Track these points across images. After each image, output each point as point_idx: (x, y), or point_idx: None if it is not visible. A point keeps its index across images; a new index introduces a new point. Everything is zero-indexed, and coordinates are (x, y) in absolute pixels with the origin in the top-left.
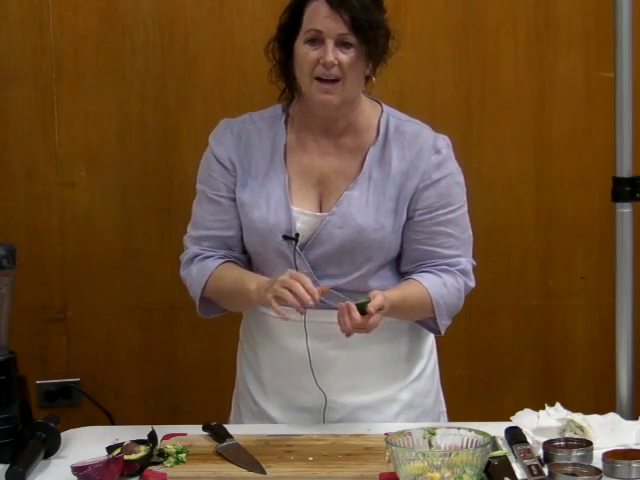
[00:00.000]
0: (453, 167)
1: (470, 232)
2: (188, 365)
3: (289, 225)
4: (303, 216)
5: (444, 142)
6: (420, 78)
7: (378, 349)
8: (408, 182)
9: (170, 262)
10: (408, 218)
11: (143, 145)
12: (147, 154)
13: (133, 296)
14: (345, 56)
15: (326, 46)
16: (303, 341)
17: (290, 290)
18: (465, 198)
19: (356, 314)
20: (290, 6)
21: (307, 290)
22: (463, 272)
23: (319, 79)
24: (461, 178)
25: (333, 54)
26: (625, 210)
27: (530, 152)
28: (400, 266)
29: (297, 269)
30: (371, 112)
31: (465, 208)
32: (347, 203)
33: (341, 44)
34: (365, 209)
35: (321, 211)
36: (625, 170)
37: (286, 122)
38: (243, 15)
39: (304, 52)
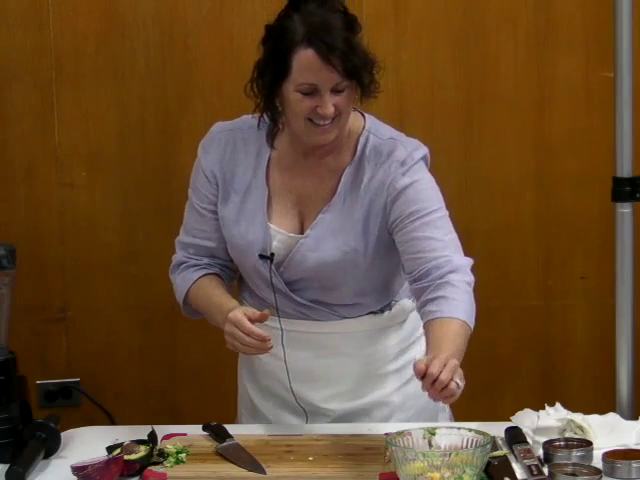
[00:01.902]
0: (420, 175)
1: (454, 235)
2: (188, 365)
3: (265, 244)
4: (279, 235)
5: (417, 155)
6: (420, 78)
7: (364, 354)
8: (376, 200)
9: (170, 262)
10: (389, 234)
11: (143, 145)
12: (147, 154)
13: (133, 296)
14: (340, 98)
15: (322, 97)
16: (289, 349)
17: (235, 338)
18: (442, 203)
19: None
20: (273, 48)
21: (247, 333)
22: (457, 270)
23: (313, 121)
24: (433, 184)
25: (330, 102)
26: (625, 210)
27: (530, 152)
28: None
29: (273, 287)
30: (353, 129)
31: (443, 212)
32: (320, 227)
33: (336, 89)
34: (337, 233)
35: (303, 230)
36: (625, 170)
37: (269, 145)
38: (243, 15)
39: (297, 99)
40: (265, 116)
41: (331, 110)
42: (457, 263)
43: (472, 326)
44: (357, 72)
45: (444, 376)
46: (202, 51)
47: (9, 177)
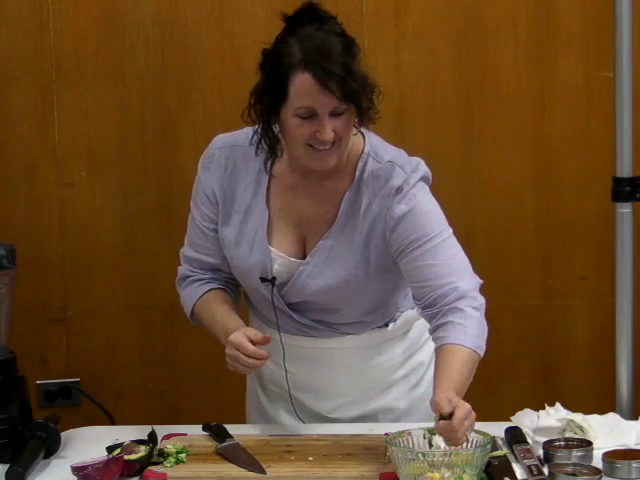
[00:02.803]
0: (417, 199)
1: (461, 255)
2: (188, 365)
3: (266, 266)
4: (280, 259)
5: (414, 178)
6: (420, 78)
7: (369, 366)
8: (375, 228)
9: (170, 262)
10: (394, 260)
11: (143, 145)
12: (147, 154)
13: (133, 296)
14: (339, 122)
15: (321, 121)
16: (292, 363)
17: (236, 360)
18: (443, 224)
19: (449, 424)
20: (270, 75)
21: (250, 355)
22: (464, 296)
23: (313, 146)
24: (433, 206)
25: (329, 126)
26: (625, 210)
27: (530, 152)
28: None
29: (275, 308)
30: (353, 152)
31: (445, 234)
32: (321, 254)
33: (334, 113)
34: (337, 260)
35: (305, 253)
36: (625, 170)
37: (267, 172)
38: (243, 15)
39: (296, 125)
40: (263, 143)
41: (330, 135)
42: (463, 289)
43: (482, 352)
44: (355, 97)
45: (460, 433)
46: (202, 51)
47: (9, 177)
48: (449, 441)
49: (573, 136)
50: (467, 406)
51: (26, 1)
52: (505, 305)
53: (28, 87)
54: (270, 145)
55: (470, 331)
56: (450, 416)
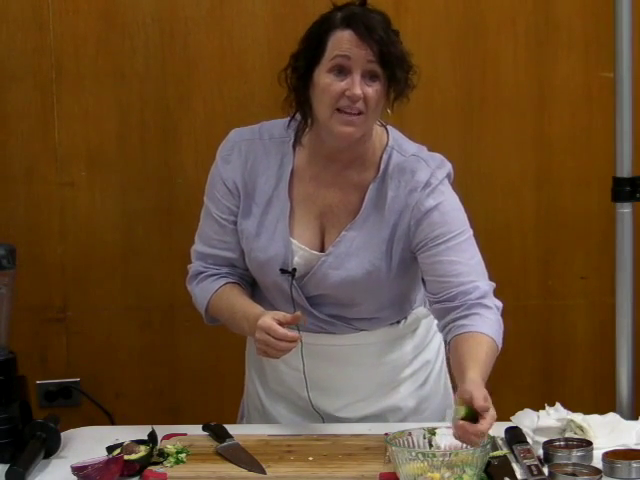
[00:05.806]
0: (444, 196)
1: (479, 257)
2: (188, 365)
3: (287, 258)
4: (301, 251)
5: (441, 174)
6: (420, 78)
7: (381, 364)
8: (401, 221)
9: (170, 262)
10: (413, 254)
11: (143, 145)
12: (147, 154)
13: (133, 296)
14: (371, 90)
15: (353, 77)
16: (307, 361)
17: (267, 344)
18: (467, 224)
19: (475, 427)
20: (311, 34)
21: (280, 338)
22: (486, 296)
23: (340, 110)
24: (457, 204)
25: (360, 87)
26: (625, 210)
27: (530, 152)
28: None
29: (294, 302)
30: (377, 144)
31: (468, 233)
32: (344, 245)
33: (367, 76)
34: (360, 251)
35: (323, 244)
36: (625, 170)
37: (294, 145)
38: (243, 15)
39: (327, 82)
40: (295, 109)
41: (359, 92)
42: (485, 289)
43: (499, 348)
44: (391, 62)
45: (481, 441)
46: (202, 51)
47: (9, 177)
48: (463, 441)
49: (573, 136)
50: (495, 414)
51: (26, 1)
52: (505, 305)
53: (28, 87)
54: (302, 110)
55: (495, 325)
56: (475, 417)
